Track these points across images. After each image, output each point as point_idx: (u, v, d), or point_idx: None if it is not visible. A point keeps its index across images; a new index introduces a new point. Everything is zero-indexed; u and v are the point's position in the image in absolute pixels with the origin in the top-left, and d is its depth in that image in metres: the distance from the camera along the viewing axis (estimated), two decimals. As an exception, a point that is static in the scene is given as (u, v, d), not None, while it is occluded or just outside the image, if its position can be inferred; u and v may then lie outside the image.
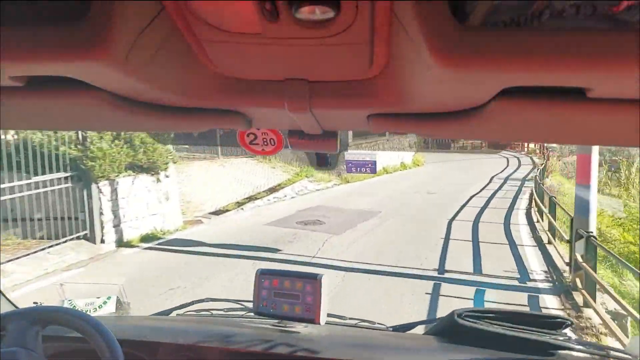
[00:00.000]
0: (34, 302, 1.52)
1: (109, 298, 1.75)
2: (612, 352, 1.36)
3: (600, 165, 23.27)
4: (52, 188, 7.63)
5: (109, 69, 0.42)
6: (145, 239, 8.97)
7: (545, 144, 31.58)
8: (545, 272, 7.21)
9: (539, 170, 18.30)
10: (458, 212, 12.09)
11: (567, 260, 6.98)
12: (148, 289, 6.00)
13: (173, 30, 0.43)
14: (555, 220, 8.74)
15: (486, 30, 0.36)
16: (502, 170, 23.91)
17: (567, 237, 7.12)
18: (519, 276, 6.95)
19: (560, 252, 7.82)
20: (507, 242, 9.06)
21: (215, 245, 8.46)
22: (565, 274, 6.89)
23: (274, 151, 1.50)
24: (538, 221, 10.77)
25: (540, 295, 6.24)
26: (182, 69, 0.51)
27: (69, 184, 7.92)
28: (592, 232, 6.24)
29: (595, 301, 5.56)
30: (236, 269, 6.97)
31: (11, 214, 7.21)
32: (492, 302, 4.47)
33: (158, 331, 1.40)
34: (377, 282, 6.50)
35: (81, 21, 0.38)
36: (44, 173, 7.50)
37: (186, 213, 10.94)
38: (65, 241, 7.76)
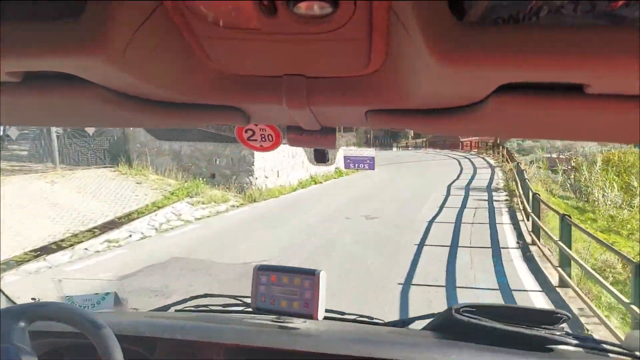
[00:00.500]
0: (32, 298, 1.52)
1: (107, 294, 1.75)
2: (608, 347, 1.37)
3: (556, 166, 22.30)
4: None
5: (107, 65, 0.42)
6: None
7: (502, 143, 28.95)
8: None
9: (514, 180, 14.63)
10: (415, 261, 7.23)
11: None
12: None
13: (170, 26, 0.43)
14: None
15: (484, 26, 0.36)
16: (458, 176, 20.50)
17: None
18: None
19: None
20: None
21: None
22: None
23: (273, 147, 1.50)
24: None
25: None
26: (179, 65, 0.50)
27: None
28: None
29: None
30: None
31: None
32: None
33: (156, 327, 1.40)
34: None
35: (78, 17, 0.38)
36: None
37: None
38: None
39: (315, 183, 18.49)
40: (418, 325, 1.62)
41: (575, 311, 5.62)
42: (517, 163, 16.82)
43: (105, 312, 1.65)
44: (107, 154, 14.65)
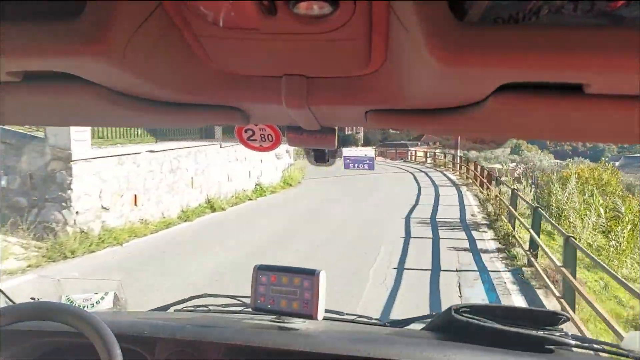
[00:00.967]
0: (32, 298, 1.52)
1: (106, 294, 1.75)
2: (608, 348, 1.37)
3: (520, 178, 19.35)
4: None
5: (106, 65, 0.42)
6: None
7: (460, 154, 24.84)
8: None
9: (508, 215, 10.45)
10: None
11: None
12: None
13: (170, 25, 0.43)
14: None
15: (484, 26, 0.36)
16: (417, 201, 15.24)
17: None
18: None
19: None
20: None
21: None
22: None
23: (272, 147, 1.50)
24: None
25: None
26: (179, 65, 0.51)
27: None
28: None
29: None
30: None
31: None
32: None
33: (155, 327, 1.40)
34: None
35: (78, 16, 0.38)
36: None
37: None
38: None
39: (214, 210, 12.18)
40: (417, 325, 1.62)
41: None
42: (514, 189, 11.14)
43: (104, 312, 1.65)
44: None
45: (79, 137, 8.77)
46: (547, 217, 8.15)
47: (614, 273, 5.13)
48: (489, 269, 7.88)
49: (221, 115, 0.66)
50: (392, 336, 1.43)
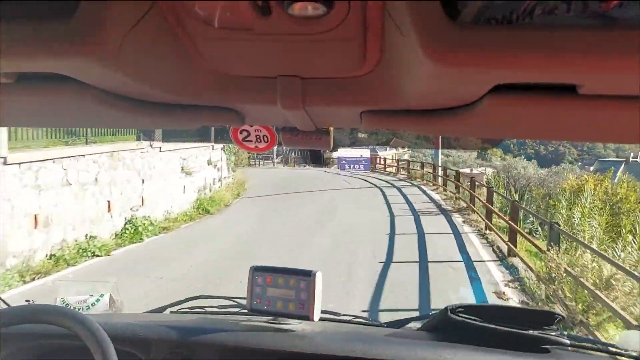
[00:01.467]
0: (26, 300, 1.51)
1: (101, 296, 1.74)
2: (603, 347, 1.38)
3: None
4: None
5: (100, 66, 0.42)
6: None
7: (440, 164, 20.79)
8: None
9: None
10: None
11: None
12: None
13: (165, 26, 0.43)
14: None
15: (478, 27, 0.36)
16: (391, 240, 9.73)
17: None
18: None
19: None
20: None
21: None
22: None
23: (268, 148, 1.50)
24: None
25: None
26: (174, 66, 0.50)
27: None
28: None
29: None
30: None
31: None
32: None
33: (151, 328, 1.39)
34: None
35: (72, 17, 0.38)
36: None
37: None
38: None
39: (95, 256, 8.36)
40: (414, 325, 1.62)
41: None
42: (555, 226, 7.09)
43: (99, 314, 1.64)
44: None
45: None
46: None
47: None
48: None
49: (216, 116, 0.65)
50: (388, 337, 1.43)
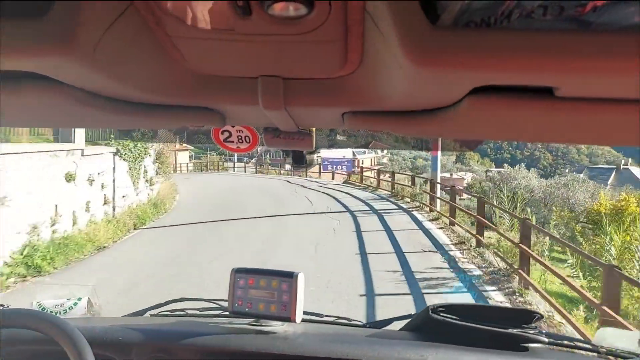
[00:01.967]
0: (1, 305, 1.48)
1: (79, 299, 1.70)
2: (580, 344, 1.41)
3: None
4: None
5: (76, 65, 0.41)
6: None
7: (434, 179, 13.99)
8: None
9: None
10: None
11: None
12: None
13: (143, 25, 0.42)
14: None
15: (457, 30, 0.37)
16: None
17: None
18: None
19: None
20: None
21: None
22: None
23: (250, 148, 1.49)
24: None
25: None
26: (152, 66, 0.50)
27: None
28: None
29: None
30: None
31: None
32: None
33: (131, 332, 1.37)
34: None
35: (46, 16, 0.37)
36: None
37: None
38: None
39: None
40: (396, 326, 1.63)
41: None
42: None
43: (77, 318, 1.61)
44: None
45: None
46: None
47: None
48: None
49: (197, 117, 0.65)
50: (370, 337, 1.44)
